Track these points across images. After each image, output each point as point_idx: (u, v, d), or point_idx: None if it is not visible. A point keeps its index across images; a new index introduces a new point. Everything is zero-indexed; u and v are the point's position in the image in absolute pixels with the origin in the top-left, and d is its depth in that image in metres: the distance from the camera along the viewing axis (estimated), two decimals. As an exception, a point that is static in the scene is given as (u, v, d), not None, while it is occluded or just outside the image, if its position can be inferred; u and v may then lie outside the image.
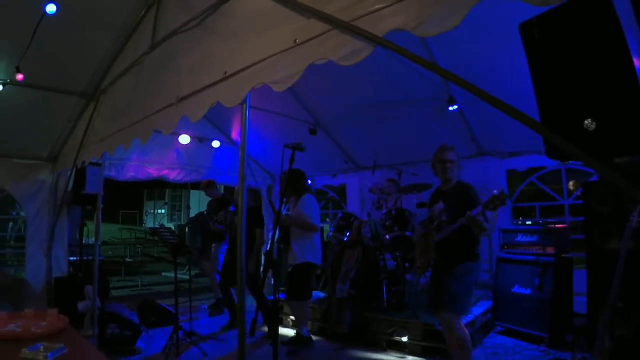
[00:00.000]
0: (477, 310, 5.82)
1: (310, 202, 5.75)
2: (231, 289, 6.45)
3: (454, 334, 3.86)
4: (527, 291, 5.47)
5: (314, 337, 5.72)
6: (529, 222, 6.17)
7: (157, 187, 49.96)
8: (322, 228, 6.48)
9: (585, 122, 1.90)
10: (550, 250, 5.45)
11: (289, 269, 5.83)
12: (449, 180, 4.17)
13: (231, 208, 7.12)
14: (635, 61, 1.78)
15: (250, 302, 5.33)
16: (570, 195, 6.57)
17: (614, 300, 3.18)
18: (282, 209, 4.98)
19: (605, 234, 4.38)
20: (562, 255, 5.42)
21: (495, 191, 3.65)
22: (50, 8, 4.22)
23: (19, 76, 4.82)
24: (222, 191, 8.88)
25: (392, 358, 5.23)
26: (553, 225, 5.73)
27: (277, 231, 5.25)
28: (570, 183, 6.63)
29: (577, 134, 1.90)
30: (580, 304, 5.08)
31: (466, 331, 3.91)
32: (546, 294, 5.26)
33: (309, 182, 6.33)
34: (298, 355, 5.37)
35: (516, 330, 5.52)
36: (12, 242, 10.78)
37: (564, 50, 2.00)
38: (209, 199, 7.96)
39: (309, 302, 5.84)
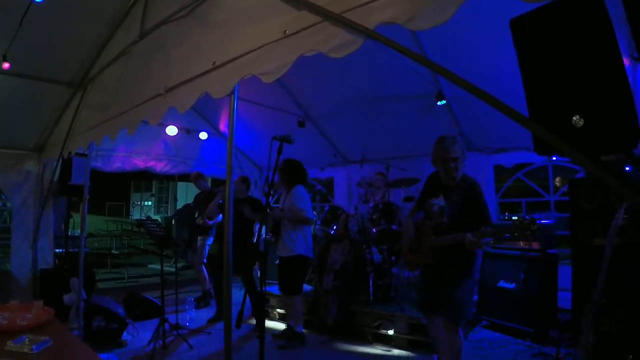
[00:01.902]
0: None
1: (304, 194, 5.61)
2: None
3: (451, 342, 3.68)
4: (512, 286, 5.52)
5: (301, 330, 5.72)
6: (515, 218, 6.21)
7: (144, 179, 49.52)
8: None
9: (574, 118, 1.90)
10: (535, 245, 5.50)
11: (277, 262, 5.72)
12: (454, 178, 3.72)
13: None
14: (625, 60, 1.78)
15: (237, 295, 5.30)
16: (556, 191, 6.63)
17: (598, 296, 3.21)
18: (269, 201, 4.92)
19: (591, 230, 4.42)
20: (548, 250, 5.47)
21: (525, 217, 3.48)
22: (38, -5, 4.16)
23: (5, 65, 4.75)
24: (210, 184, 8.82)
25: (378, 351, 5.26)
26: (539, 221, 5.77)
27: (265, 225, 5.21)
28: (557, 180, 6.68)
29: (565, 130, 1.91)
30: (564, 299, 5.15)
31: (463, 340, 3.74)
32: (531, 289, 5.31)
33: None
34: (288, 349, 5.36)
35: (501, 324, 5.57)
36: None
37: (554, 47, 2.00)
38: (196, 191, 7.92)
39: (300, 297, 5.67)
